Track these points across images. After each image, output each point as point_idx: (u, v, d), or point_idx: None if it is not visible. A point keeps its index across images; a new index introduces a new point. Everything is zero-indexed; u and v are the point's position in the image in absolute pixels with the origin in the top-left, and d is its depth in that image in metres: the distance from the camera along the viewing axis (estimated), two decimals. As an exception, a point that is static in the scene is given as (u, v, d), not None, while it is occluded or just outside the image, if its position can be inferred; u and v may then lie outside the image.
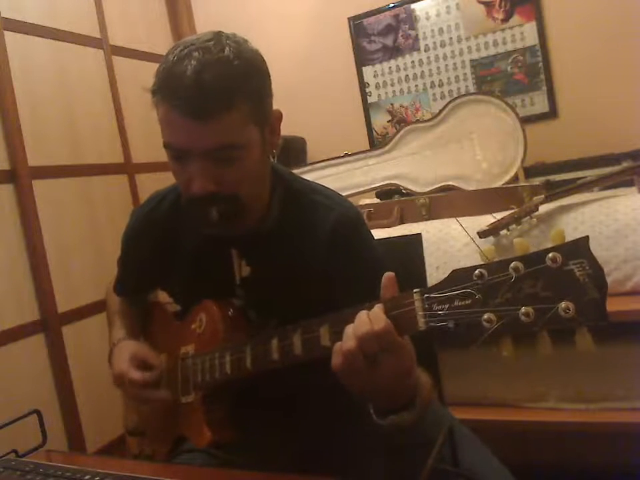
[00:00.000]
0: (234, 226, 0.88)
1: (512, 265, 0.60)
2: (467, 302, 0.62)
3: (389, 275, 0.70)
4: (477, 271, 0.62)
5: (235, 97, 0.78)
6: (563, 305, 0.57)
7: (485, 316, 0.60)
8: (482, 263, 0.63)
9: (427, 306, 0.65)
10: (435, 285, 0.65)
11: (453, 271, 0.64)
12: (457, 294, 0.63)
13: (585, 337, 0.58)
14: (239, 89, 0.79)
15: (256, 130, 0.83)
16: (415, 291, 0.67)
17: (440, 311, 0.64)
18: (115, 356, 0.99)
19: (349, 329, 0.68)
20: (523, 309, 0.58)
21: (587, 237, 0.58)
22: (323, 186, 0.99)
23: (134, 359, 0.95)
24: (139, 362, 0.95)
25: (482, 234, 1.69)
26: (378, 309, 0.68)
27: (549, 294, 0.58)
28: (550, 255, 0.58)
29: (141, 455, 1.07)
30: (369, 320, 0.67)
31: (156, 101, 0.81)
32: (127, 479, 0.74)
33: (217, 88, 0.76)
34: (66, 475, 0.77)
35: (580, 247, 0.58)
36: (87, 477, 0.75)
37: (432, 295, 0.65)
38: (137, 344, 1.01)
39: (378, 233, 1.02)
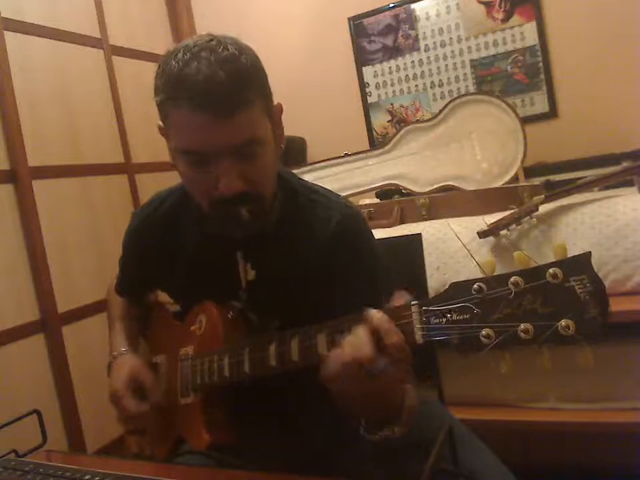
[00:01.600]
0: (261, 225, 0.87)
1: (511, 279, 0.59)
2: (465, 316, 0.61)
3: None
4: (475, 285, 0.61)
5: (251, 91, 0.79)
6: (563, 323, 0.56)
7: (484, 331, 0.60)
8: (481, 271, 0.62)
9: (424, 319, 0.64)
10: (434, 297, 0.65)
11: (451, 283, 0.64)
12: (456, 307, 0.62)
13: (585, 353, 0.58)
14: (252, 83, 0.79)
15: (268, 122, 0.84)
16: (413, 303, 0.66)
17: (438, 324, 0.63)
18: (114, 371, 0.99)
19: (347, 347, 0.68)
20: (522, 326, 0.58)
21: (589, 252, 0.57)
22: (324, 188, 0.99)
23: (130, 382, 0.94)
24: (135, 385, 0.94)
25: (482, 234, 1.70)
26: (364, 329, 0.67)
27: (549, 310, 0.57)
28: (550, 270, 0.57)
29: (141, 455, 1.07)
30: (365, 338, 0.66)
31: (167, 109, 0.79)
32: (127, 479, 0.74)
33: (234, 84, 0.76)
34: (66, 474, 0.76)
35: (581, 262, 0.57)
36: (87, 477, 0.75)
37: (430, 308, 0.64)
38: (135, 361, 1.00)
39: (378, 233, 1.01)
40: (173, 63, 0.78)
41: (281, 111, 0.89)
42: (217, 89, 0.75)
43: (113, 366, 1.01)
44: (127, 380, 0.94)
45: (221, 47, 0.78)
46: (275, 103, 0.87)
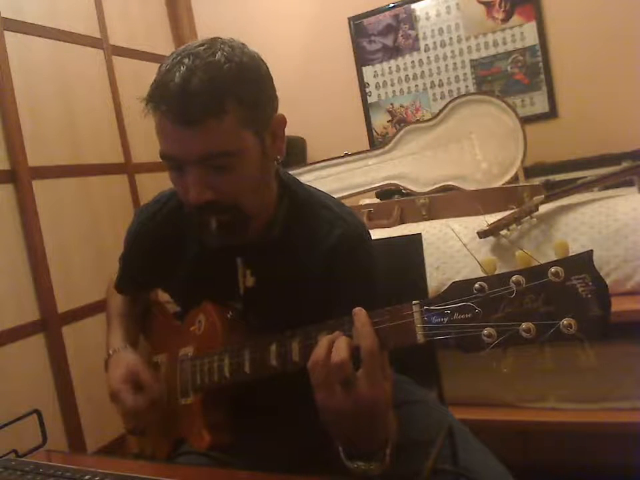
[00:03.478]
0: (236, 236, 0.86)
1: (513, 278, 0.59)
2: (466, 315, 0.61)
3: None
4: (477, 284, 0.61)
5: (225, 102, 0.76)
6: (565, 322, 0.56)
7: (485, 331, 0.60)
8: (482, 270, 0.62)
9: (426, 318, 0.64)
10: (435, 296, 0.65)
11: (452, 283, 0.63)
12: (457, 307, 0.62)
13: (586, 353, 0.57)
14: (229, 93, 0.76)
15: (252, 136, 0.80)
16: (414, 302, 0.66)
17: (439, 324, 0.63)
18: (111, 368, 0.99)
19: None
20: (524, 325, 0.58)
21: (591, 251, 0.57)
22: (330, 197, 0.98)
23: (128, 377, 0.94)
24: (134, 380, 0.94)
25: (482, 234, 1.69)
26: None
27: (551, 309, 0.57)
28: (552, 269, 0.57)
29: (141, 455, 1.07)
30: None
31: (148, 111, 0.80)
32: (127, 479, 0.74)
33: (204, 93, 0.74)
34: (66, 475, 0.76)
35: (583, 261, 0.57)
36: (87, 477, 0.74)
37: (431, 308, 0.64)
38: (133, 357, 0.99)
39: (378, 233, 1.02)
40: (163, 66, 0.78)
41: (283, 123, 0.86)
42: (183, 98, 0.74)
43: (110, 362, 1.00)
44: (125, 376, 0.94)
45: (209, 53, 0.76)
46: (278, 113, 0.85)
